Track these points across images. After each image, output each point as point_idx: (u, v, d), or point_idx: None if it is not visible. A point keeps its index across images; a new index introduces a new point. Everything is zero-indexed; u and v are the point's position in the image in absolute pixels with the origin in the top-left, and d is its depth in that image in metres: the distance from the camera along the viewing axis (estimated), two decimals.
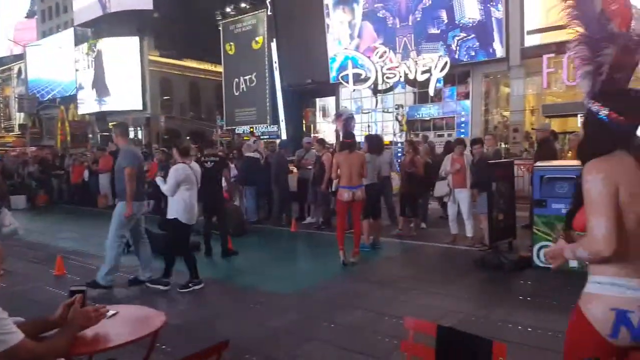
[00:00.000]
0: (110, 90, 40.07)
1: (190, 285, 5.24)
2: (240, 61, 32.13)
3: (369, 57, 23.43)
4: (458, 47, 20.75)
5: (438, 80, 21.04)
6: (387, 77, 22.75)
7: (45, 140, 42.03)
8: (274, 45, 29.17)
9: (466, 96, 21.61)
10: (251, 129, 32.13)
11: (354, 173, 6.09)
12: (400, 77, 22.21)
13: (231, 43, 32.86)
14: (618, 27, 1.63)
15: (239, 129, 32.65)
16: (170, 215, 5.31)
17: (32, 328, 1.93)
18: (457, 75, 21.57)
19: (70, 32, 44.22)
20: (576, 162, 1.83)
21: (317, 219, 9.16)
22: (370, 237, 7.01)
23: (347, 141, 6.33)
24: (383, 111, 24.45)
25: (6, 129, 50.99)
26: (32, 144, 30.45)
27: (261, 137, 30.59)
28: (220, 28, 33.29)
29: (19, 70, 50.50)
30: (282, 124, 29.61)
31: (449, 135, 20.05)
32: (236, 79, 32.68)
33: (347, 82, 24.25)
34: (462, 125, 21.34)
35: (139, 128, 41.03)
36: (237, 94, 32.97)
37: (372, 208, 6.94)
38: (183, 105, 42.92)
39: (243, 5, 32.58)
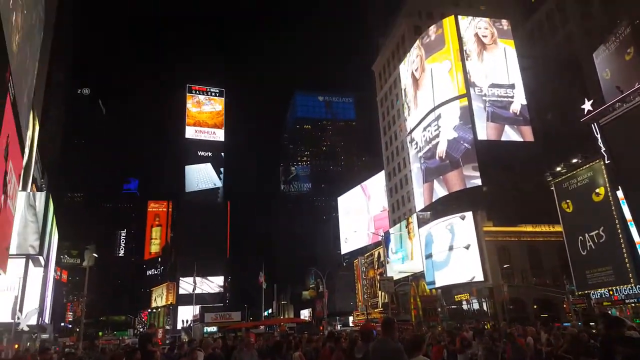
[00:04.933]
0: (453, 264, 43.08)
1: None
2: (581, 217, 29.67)
3: None
4: None
5: None
6: None
7: (402, 315, 47.21)
8: (619, 193, 25.91)
9: None
10: (610, 292, 27.16)
11: None
12: None
13: (568, 201, 31.22)
14: None
15: (594, 294, 28.24)
16: None
17: None
18: None
19: (413, 218, 52.59)
20: None
21: None
22: None
23: None
24: None
25: (372, 305, 60.70)
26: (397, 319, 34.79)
27: (625, 301, 25.27)
28: (553, 188, 32.51)
29: (378, 255, 61.84)
30: None
31: None
32: (580, 237, 29.83)
33: None
34: None
35: (483, 300, 41.32)
36: (584, 253, 29.67)
37: None
38: (524, 271, 41.40)
39: (574, 160, 31.36)
